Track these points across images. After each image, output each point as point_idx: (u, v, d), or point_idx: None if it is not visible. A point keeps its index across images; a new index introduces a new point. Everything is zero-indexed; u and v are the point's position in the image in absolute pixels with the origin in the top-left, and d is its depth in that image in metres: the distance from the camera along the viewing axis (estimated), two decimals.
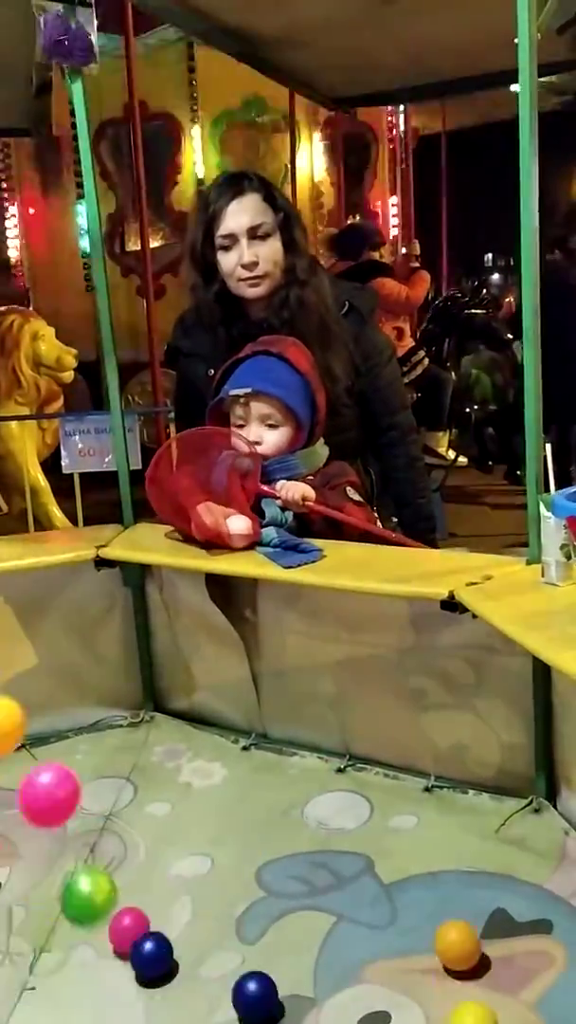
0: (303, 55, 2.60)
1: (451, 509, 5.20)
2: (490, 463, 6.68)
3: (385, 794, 1.75)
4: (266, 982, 1.26)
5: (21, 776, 1.11)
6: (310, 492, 1.88)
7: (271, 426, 1.88)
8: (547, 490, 1.62)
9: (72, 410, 5.41)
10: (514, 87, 1.49)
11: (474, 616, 1.56)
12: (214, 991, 1.31)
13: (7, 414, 5.15)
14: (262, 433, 1.88)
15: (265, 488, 1.87)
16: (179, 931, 1.44)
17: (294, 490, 1.87)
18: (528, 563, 1.68)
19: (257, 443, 1.88)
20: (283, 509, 1.88)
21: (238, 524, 1.82)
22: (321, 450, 1.99)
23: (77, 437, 4.28)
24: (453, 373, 6.19)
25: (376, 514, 2.24)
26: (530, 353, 1.60)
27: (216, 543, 1.84)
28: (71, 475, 4.35)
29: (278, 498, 1.87)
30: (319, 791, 1.78)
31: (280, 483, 1.88)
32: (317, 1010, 1.27)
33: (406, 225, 8.58)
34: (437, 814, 1.68)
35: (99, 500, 3.92)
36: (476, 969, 1.29)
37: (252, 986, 1.25)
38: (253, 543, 1.86)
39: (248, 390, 1.86)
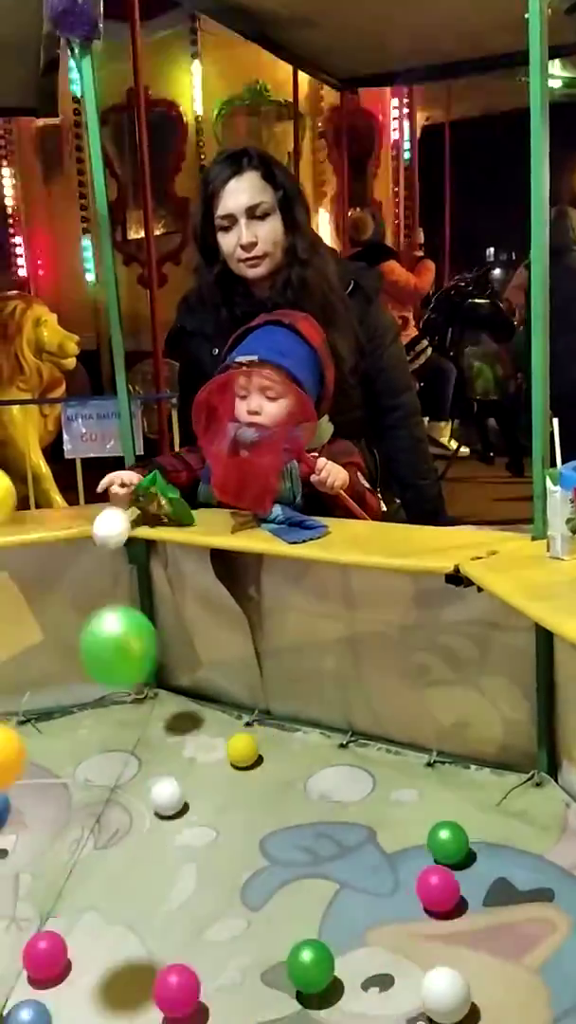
0: (310, 35, 2.60)
1: (452, 499, 5.20)
2: (492, 454, 6.68)
3: (387, 769, 1.76)
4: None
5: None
6: (347, 481, 1.88)
7: (271, 398, 1.87)
8: (553, 465, 1.62)
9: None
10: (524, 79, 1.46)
11: (479, 590, 1.56)
12: (220, 955, 1.33)
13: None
14: (262, 404, 1.87)
15: (308, 456, 1.85)
16: (185, 898, 1.46)
17: (336, 474, 1.87)
18: (533, 539, 1.68)
19: (256, 413, 1.86)
20: (301, 482, 1.87)
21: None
22: (326, 426, 1.99)
23: (79, 422, 4.29)
24: (455, 364, 6.19)
25: (380, 496, 2.24)
26: (538, 329, 1.61)
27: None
28: (71, 464, 4.36)
29: (314, 472, 1.86)
30: (322, 766, 1.79)
31: (322, 461, 1.87)
32: None
33: (410, 214, 8.56)
34: (439, 788, 1.69)
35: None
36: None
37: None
38: (259, 520, 1.87)
39: (254, 357, 1.84)
